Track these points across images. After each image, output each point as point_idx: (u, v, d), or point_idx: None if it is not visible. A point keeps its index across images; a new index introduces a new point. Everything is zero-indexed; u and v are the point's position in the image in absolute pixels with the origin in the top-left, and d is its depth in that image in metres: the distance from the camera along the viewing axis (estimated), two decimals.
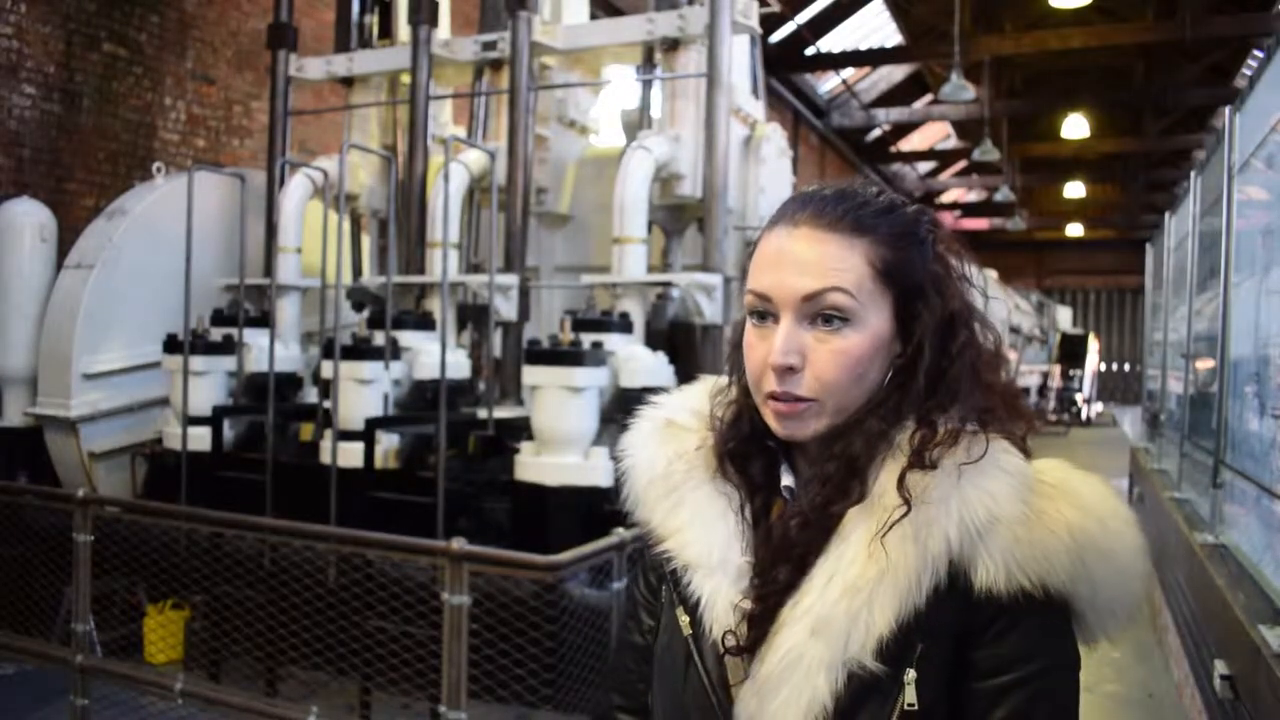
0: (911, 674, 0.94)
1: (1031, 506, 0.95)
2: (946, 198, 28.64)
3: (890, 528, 0.95)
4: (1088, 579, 0.95)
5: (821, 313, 1.00)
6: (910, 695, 0.94)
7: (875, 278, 1.01)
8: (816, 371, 1.00)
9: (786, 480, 1.08)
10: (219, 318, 6.29)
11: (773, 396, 1.02)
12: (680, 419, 1.15)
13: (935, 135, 25.15)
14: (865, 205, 1.04)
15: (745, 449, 1.09)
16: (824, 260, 1.00)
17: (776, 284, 1.02)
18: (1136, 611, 1.02)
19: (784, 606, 0.99)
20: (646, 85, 6.31)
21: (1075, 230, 30.65)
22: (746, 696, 0.99)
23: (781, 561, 1.01)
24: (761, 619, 1.00)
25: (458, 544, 3.30)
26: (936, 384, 1.02)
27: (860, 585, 0.95)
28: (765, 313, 1.03)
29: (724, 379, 1.15)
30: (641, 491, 1.13)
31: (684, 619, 1.07)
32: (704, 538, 1.07)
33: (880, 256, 1.01)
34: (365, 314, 6.08)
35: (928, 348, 1.02)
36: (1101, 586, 0.96)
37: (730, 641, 1.01)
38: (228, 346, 6.13)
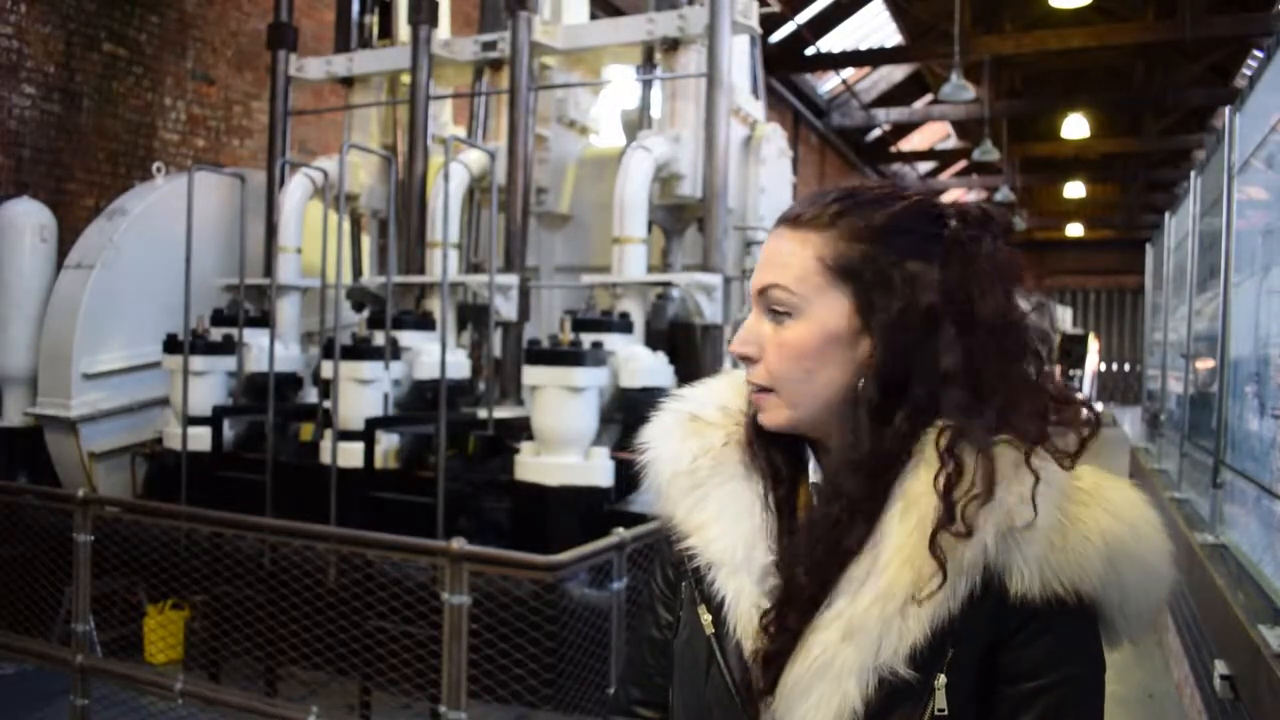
0: (942, 679, 0.94)
1: (1067, 513, 0.95)
2: (946, 198, 28.43)
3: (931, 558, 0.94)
4: (1118, 584, 0.95)
5: (770, 307, 1.04)
6: (941, 700, 0.94)
7: (823, 272, 1.02)
8: (767, 362, 1.04)
9: (814, 477, 1.08)
10: (219, 318, 6.29)
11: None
12: (705, 414, 1.15)
13: (935, 135, 25.13)
14: (840, 201, 1.04)
15: (772, 435, 1.09)
16: (776, 256, 1.05)
17: (753, 280, 1.08)
18: (1160, 614, 1.02)
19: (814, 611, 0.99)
20: (646, 85, 6.31)
21: (1075, 230, 30.61)
22: (778, 697, 0.99)
23: (808, 570, 1.01)
24: (789, 624, 1.00)
25: (458, 544, 3.30)
26: (932, 386, 0.99)
27: (894, 592, 0.95)
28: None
29: None
30: (665, 485, 1.13)
31: (707, 617, 1.07)
32: (728, 535, 1.06)
33: (834, 251, 1.02)
34: (365, 314, 6.08)
35: (882, 344, 1.00)
36: (1131, 591, 0.97)
37: (762, 643, 1.01)
38: (228, 346, 6.13)
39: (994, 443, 0.97)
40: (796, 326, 1.03)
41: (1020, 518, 0.94)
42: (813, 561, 1.00)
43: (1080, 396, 1.07)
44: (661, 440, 1.14)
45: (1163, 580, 0.99)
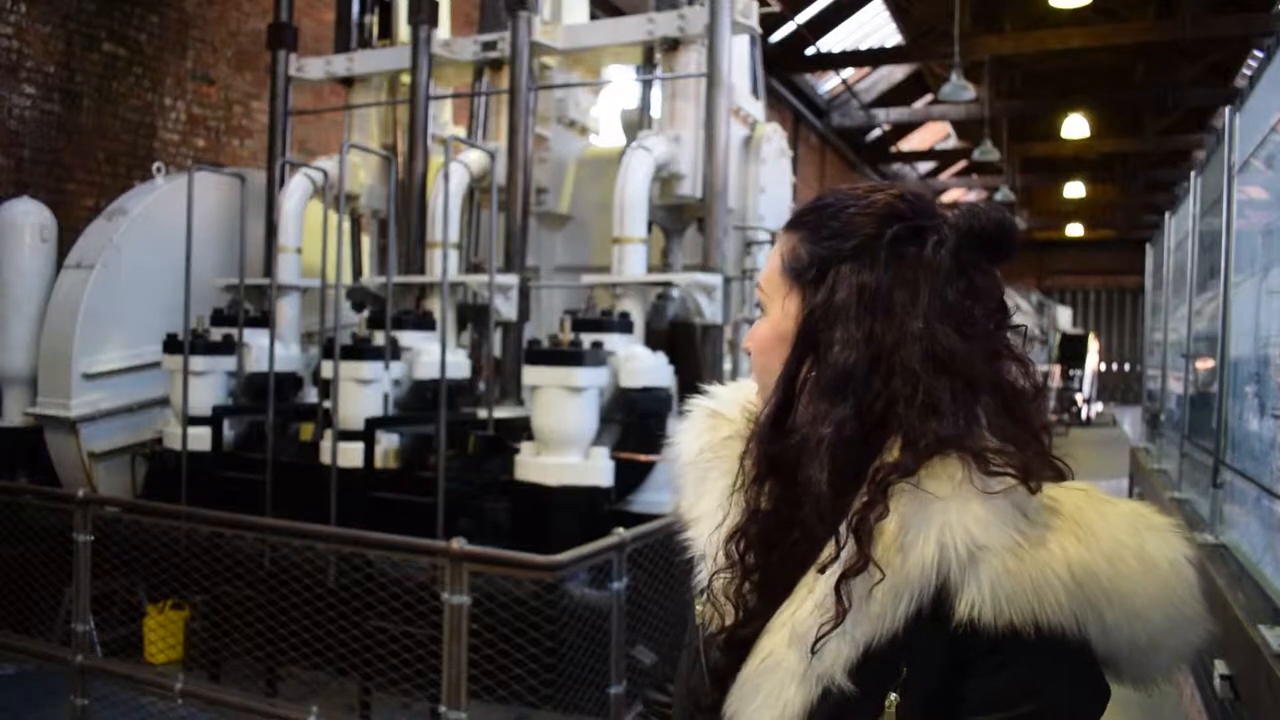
0: (894, 698, 0.91)
1: (1027, 536, 0.88)
2: (947, 198, 28.60)
3: (847, 567, 0.92)
4: (1097, 622, 0.88)
5: (757, 304, 1.10)
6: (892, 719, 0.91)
7: (782, 272, 1.06)
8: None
9: None
10: (219, 318, 6.29)
11: None
12: (726, 411, 1.17)
13: (935, 135, 25.13)
14: (815, 204, 1.07)
15: None
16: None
17: None
18: (1178, 657, 0.94)
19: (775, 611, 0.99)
20: (646, 85, 6.31)
21: (1075, 230, 30.64)
22: (732, 694, 0.99)
23: (757, 569, 1.02)
24: (741, 631, 1.01)
25: (458, 544, 3.30)
26: (830, 390, 0.96)
27: (830, 602, 0.92)
28: None
29: None
30: (678, 478, 1.17)
31: (698, 608, 1.10)
32: (712, 528, 1.08)
33: (791, 252, 1.05)
34: (365, 314, 6.08)
35: (794, 341, 1.02)
36: (1113, 631, 0.89)
37: (712, 643, 1.03)
38: (228, 346, 6.13)
39: (938, 454, 0.92)
40: (761, 323, 1.07)
41: (964, 533, 0.88)
42: (755, 563, 1.02)
43: (1046, 415, 1.01)
44: (684, 434, 1.18)
45: (1163, 620, 0.90)
